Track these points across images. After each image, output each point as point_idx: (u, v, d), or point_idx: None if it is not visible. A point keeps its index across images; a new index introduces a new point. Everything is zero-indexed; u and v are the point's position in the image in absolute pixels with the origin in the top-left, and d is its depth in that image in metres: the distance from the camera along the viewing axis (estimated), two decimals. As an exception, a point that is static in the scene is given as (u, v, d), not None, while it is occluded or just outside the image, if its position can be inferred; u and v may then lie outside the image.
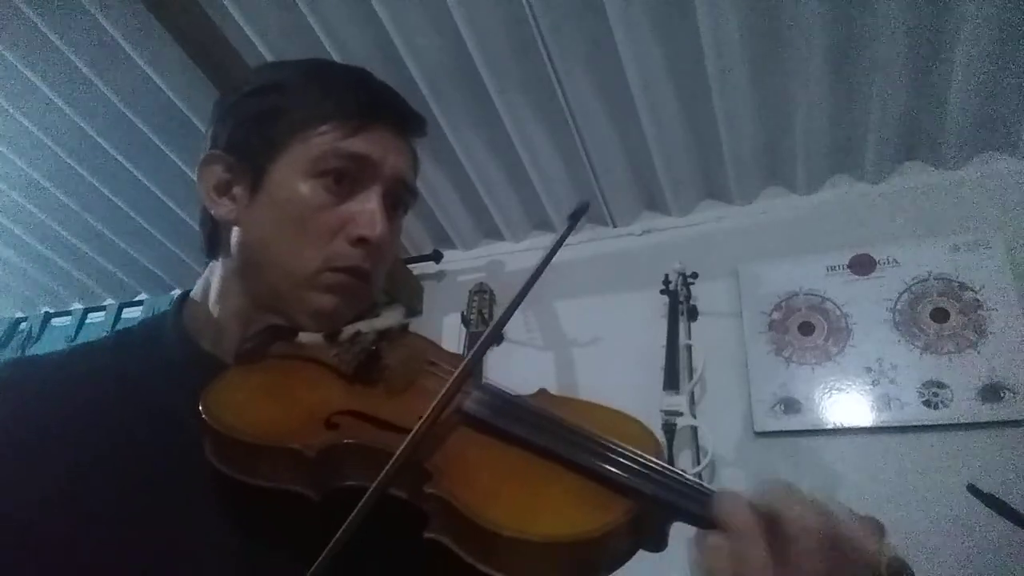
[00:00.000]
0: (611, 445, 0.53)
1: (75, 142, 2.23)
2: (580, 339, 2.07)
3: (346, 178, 0.63)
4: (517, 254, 2.36)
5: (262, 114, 0.65)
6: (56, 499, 0.53)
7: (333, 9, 1.69)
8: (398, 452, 0.49)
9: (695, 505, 0.48)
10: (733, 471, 1.75)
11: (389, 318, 0.67)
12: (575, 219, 0.68)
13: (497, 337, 2.18)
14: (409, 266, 2.43)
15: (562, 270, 2.24)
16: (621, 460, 0.51)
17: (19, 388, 0.60)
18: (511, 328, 2.19)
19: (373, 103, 0.66)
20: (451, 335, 2.26)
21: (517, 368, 2.09)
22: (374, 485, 0.47)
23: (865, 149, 1.84)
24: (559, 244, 0.66)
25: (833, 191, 1.97)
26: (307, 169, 0.63)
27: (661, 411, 1.76)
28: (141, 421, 0.58)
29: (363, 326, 0.64)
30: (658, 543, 0.51)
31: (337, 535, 0.45)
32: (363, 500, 0.47)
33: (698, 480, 0.50)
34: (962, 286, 1.71)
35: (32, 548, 0.51)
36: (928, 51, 1.59)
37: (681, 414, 1.75)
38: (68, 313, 3.05)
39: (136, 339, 0.69)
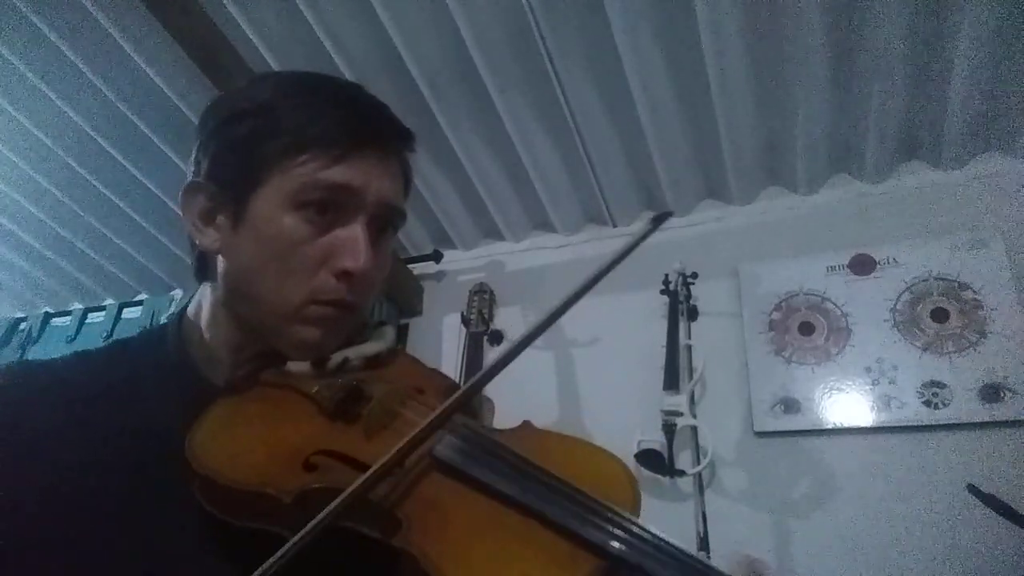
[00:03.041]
0: (586, 497, 0.52)
1: (75, 142, 2.23)
2: (580, 339, 2.07)
3: (329, 208, 0.61)
4: (517, 254, 2.36)
5: (242, 141, 0.63)
6: (41, 509, 0.53)
7: (333, 9, 1.69)
8: (350, 489, 0.49)
9: (667, 572, 0.47)
10: (733, 471, 1.75)
11: (377, 343, 0.66)
12: (657, 223, 0.64)
13: (498, 338, 2.19)
14: (409, 266, 2.43)
15: (562, 270, 2.24)
16: (594, 516, 0.51)
17: (12, 395, 0.60)
18: (511, 328, 2.19)
19: (356, 128, 0.63)
20: (451, 335, 2.27)
21: (517, 368, 2.08)
22: (331, 513, 0.47)
23: (865, 149, 1.84)
24: (635, 244, 0.63)
25: (833, 191, 1.97)
26: (288, 201, 0.61)
27: (661, 411, 1.76)
28: (132, 439, 0.58)
29: (351, 352, 0.63)
30: None
31: (285, 549, 0.45)
32: (318, 520, 0.47)
33: (680, 547, 0.49)
34: (962, 286, 1.71)
35: (11, 559, 0.51)
36: (928, 51, 1.59)
37: (681, 414, 1.75)
38: (68, 313, 3.05)
39: (133, 351, 0.68)
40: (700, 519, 1.62)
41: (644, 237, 0.61)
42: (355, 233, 0.62)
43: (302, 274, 0.61)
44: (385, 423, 0.60)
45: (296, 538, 0.46)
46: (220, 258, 0.64)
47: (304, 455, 0.54)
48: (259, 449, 0.56)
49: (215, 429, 0.56)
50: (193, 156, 0.67)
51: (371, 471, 0.50)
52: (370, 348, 0.65)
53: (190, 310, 0.69)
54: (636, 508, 0.54)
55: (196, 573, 0.54)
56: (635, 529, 0.50)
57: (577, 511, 0.51)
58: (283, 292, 0.61)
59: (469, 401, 0.56)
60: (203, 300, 0.68)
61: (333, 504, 0.48)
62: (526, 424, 0.64)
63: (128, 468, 0.56)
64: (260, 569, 0.44)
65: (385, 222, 0.66)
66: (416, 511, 0.51)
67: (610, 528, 0.50)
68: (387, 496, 0.51)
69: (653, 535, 0.50)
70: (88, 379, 0.63)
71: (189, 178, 0.67)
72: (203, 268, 0.68)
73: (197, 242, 0.65)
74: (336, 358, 0.63)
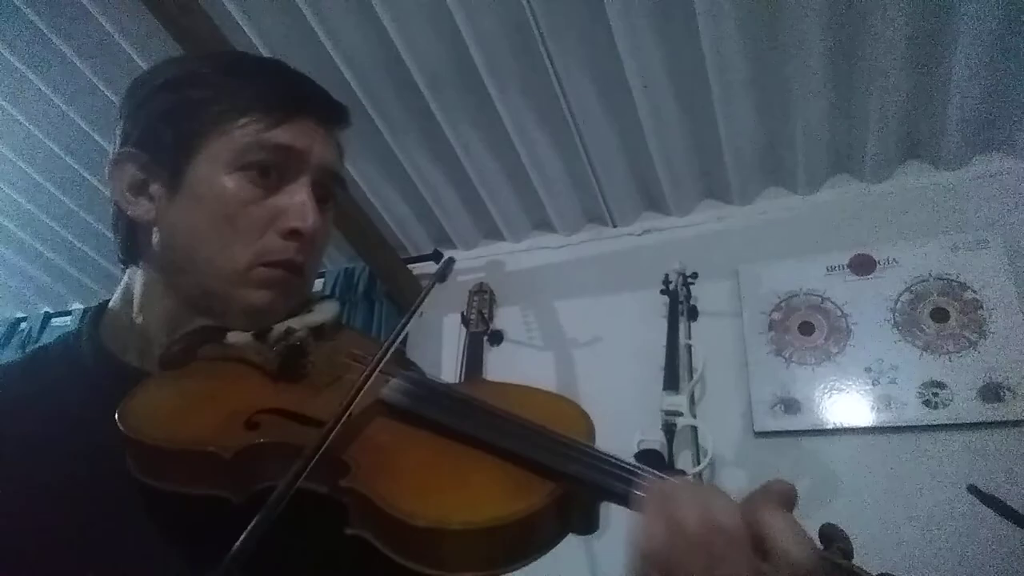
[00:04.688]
0: (533, 427, 0.52)
1: (75, 142, 2.23)
2: (580, 339, 2.07)
3: (272, 170, 0.61)
4: (517, 254, 2.36)
5: (177, 108, 0.61)
6: None
7: (333, 10, 1.69)
8: (311, 447, 0.47)
9: (620, 485, 0.47)
10: (733, 471, 1.75)
11: (321, 313, 0.65)
12: (439, 277, 0.67)
13: (498, 338, 2.19)
14: (409, 266, 2.43)
15: (562, 270, 2.25)
16: (543, 441, 0.50)
17: None
18: (511, 328, 2.19)
19: (294, 93, 0.64)
20: (451, 335, 2.26)
21: (517, 368, 2.09)
22: (287, 478, 0.45)
23: (865, 149, 1.84)
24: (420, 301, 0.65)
25: (833, 191, 1.97)
26: (230, 162, 0.60)
27: (661, 411, 1.76)
28: (61, 445, 0.55)
29: (295, 323, 0.62)
30: (588, 526, 0.50)
31: (250, 526, 0.42)
32: (276, 492, 0.44)
33: (629, 462, 0.49)
34: (962, 286, 1.71)
35: None
36: (928, 51, 1.59)
37: (681, 414, 1.75)
38: (68, 313, 3.05)
39: (52, 358, 0.65)
40: (700, 519, 1.62)
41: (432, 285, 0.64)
42: (301, 194, 0.61)
43: (248, 235, 0.60)
44: (328, 381, 0.59)
45: (274, 495, 0.44)
46: (155, 230, 0.62)
47: (246, 415, 0.53)
48: (197, 413, 0.54)
49: (149, 397, 0.54)
50: (120, 129, 0.65)
51: (330, 423, 0.48)
52: (313, 318, 0.64)
53: (113, 302, 0.66)
54: (591, 438, 0.54)
55: (141, 568, 0.52)
56: (590, 451, 0.50)
57: (528, 438, 0.51)
58: (229, 255, 0.59)
59: (401, 346, 0.56)
60: (132, 283, 0.65)
61: (307, 459, 0.46)
62: (480, 379, 0.65)
63: (63, 479, 0.54)
64: (238, 542, 0.41)
65: (326, 189, 0.65)
66: (365, 454, 0.50)
67: (564, 451, 0.50)
68: (336, 444, 0.49)
69: (609, 456, 0.49)
70: (6, 393, 0.60)
71: (115, 150, 0.64)
72: (131, 247, 0.65)
73: (129, 213, 0.62)
74: (279, 328, 0.61)
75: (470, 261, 2.41)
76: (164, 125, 0.62)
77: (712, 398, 1.85)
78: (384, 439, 0.53)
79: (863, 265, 1.83)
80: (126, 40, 1.83)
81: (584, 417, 0.57)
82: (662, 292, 1.95)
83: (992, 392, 1.57)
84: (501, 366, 2.09)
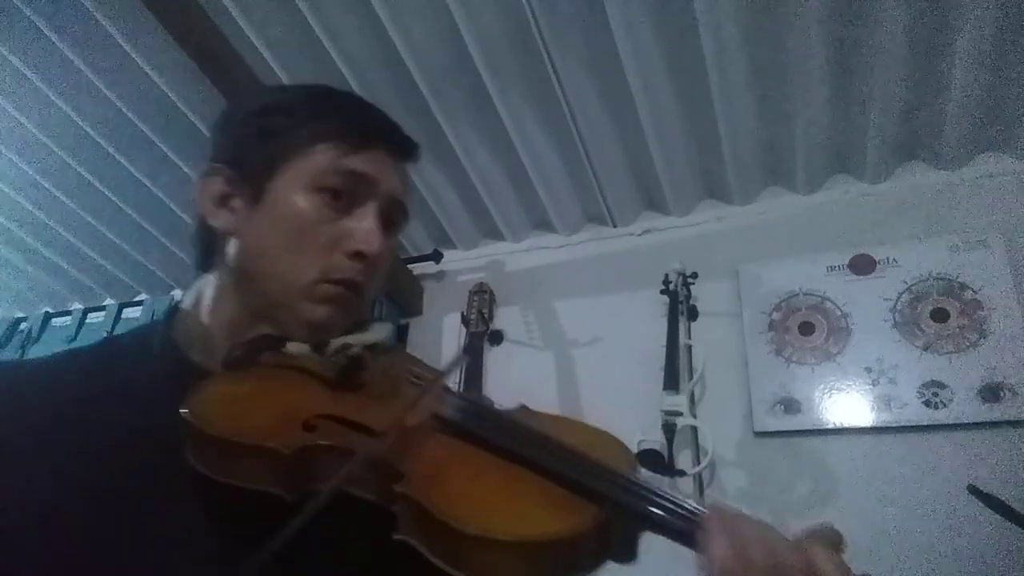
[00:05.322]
0: (583, 454, 0.54)
1: (75, 142, 2.23)
2: (580, 339, 2.07)
3: (344, 195, 0.66)
4: (517, 254, 2.36)
5: (266, 132, 0.68)
6: (36, 504, 0.53)
7: (333, 9, 1.69)
8: (362, 451, 0.49)
9: (670, 520, 0.49)
10: (733, 471, 1.75)
11: (376, 333, 0.68)
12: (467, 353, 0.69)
13: (498, 338, 2.19)
14: (409, 266, 2.43)
15: (562, 270, 2.25)
16: (589, 467, 0.53)
17: (3, 393, 0.61)
18: (511, 328, 2.19)
19: (372, 125, 0.70)
20: (451, 335, 2.26)
21: (517, 368, 2.09)
22: (338, 478, 0.47)
23: (865, 149, 1.84)
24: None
25: (833, 191, 1.97)
26: (307, 184, 0.65)
27: (661, 411, 1.76)
28: (124, 429, 0.58)
29: (351, 339, 0.65)
30: (627, 554, 0.52)
31: (294, 523, 0.44)
32: (324, 491, 0.46)
33: (675, 495, 0.51)
34: (962, 286, 1.70)
35: (8, 551, 0.51)
36: (928, 51, 1.59)
37: (681, 414, 1.75)
38: (68, 313, 3.05)
39: (124, 348, 0.70)
40: (700, 519, 1.62)
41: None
42: (369, 219, 0.66)
43: (316, 253, 0.64)
44: (384, 394, 0.62)
45: (322, 495, 0.46)
46: (233, 240, 0.67)
47: (303, 417, 0.55)
48: (260, 411, 0.57)
49: (214, 392, 0.57)
50: (211, 145, 0.72)
51: (383, 430, 0.51)
52: (370, 336, 0.67)
53: (186, 302, 0.71)
54: (634, 467, 0.57)
55: (192, 559, 0.54)
56: (634, 480, 0.52)
57: (575, 462, 0.53)
58: (297, 269, 0.64)
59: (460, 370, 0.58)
60: (204, 289, 0.70)
61: (352, 462, 0.48)
62: (523, 407, 0.67)
63: (124, 460, 0.56)
64: (280, 535, 0.44)
65: (392, 217, 0.70)
66: (419, 463, 0.52)
67: (609, 477, 0.52)
68: (391, 452, 0.52)
69: (653, 487, 0.51)
70: (79, 377, 0.64)
71: (203, 165, 0.70)
72: (208, 255, 0.71)
73: (212, 223, 0.68)
74: (335, 342, 0.64)
75: (470, 261, 2.41)
76: (252, 146, 0.68)
77: (712, 398, 1.85)
78: (438, 451, 0.55)
79: (863, 265, 1.83)
80: (126, 40, 1.83)
81: (627, 451, 0.60)
82: (662, 292, 1.95)
83: (992, 392, 1.57)
84: (501, 366, 2.10)
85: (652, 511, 0.50)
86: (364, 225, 0.65)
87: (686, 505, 0.51)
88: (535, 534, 0.47)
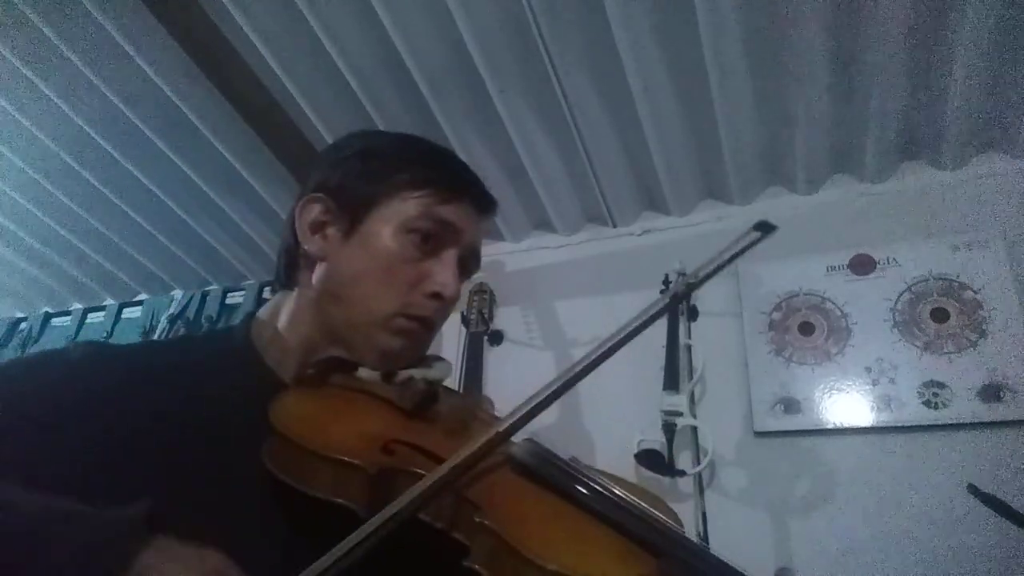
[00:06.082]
0: (644, 508, 0.58)
1: (75, 142, 2.23)
2: (580, 339, 2.07)
3: (432, 239, 0.72)
4: (517, 254, 2.36)
5: (367, 172, 0.74)
6: (111, 485, 0.54)
7: (333, 9, 1.69)
8: (435, 476, 0.51)
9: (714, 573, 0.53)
10: (733, 471, 1.75)
11: (439, 371, 0.73)
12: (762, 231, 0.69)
13: (498, 338, 2.19)
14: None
15: (562, 270, 2.24)
16: (649, 520, 0.56)
17: (97, 372, 0.64)
18: (511, 328, 2.19)
19: (462, 179, 0.77)
20: (451, 335, 2.26)
21: (517, 368, 2.09)
22: (410, 500, 0.49)
23: (865, 149, 1.84)
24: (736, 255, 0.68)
25: (833, 191, 1.97)
26: (400, 225, 0.71)
27: (661, 411, 1.76)
28: (202, 413, 0.61)
29: (416, 373, 0.69)
30: None
31: (365, 535, 0.46)
32: (394, 511, 0.48)
33: (729, 561, 0.54)
34: (962, 286, 1.70)
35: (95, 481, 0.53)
36: (928, 51, 1.59)
37: (681, 414, 1.75)
38: (68, 313, 3.05)
39: (203, 348, 0.77)
40: (700, 519, 1.62)
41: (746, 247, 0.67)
42: (450, 263, 0.72)
43: (399, 288, 0.70)
44: (458, 428, 0.65)
45: (389, 515, 0.48)
46: (322, 265, 0.73)
47: (382, 441, 0.58)
48: (341, 427, 0.60)
49: (299, 404, 0.60)
50: (315, 176, 0.77)
51: (457, 458, 0.52)
52: (433, 373, 0.71)
53: (263, 313, 0.76)
54: (682, 527, 0.61)
55: (258, 561, 0.54)
56: (682, 534, 0.56)
57: (633, 515, 0.57)
58: (379, 301, 0.69)
59: (535, 415, 0.59)
60: (282, 304, 0.75)
61: (420, 485, 0.50)
62: (574, 458, 0.69)
63: (194, 438, 0.59)
64: (344, 542, 0.46)
65: (465, 265, 0.76)
66: (493, 498, 0.55)
67: (662, 532, 0.55)
68: (465, 485, 0.54)
69: (698, 544, 0.57)
70: (161, 365, 0.68)
71: (305, 193, 0.76)
72: (292, 272, 0.76)
73: (305, 247, 0.73)
74: (403, 374, 0.68)
75: (470, 261, 2.41)
76: (353, 183, 0.74)
77: (712, 398, 1.85)
78: (510, 489, 0.58)
79: (863, 265, 1.83)
80: (126, 40, 1.83)
81: (674, 514, 0.64)
82: (662, 292, 1.95)
83: (992, 392, 1.57)
84: (501, 366, 2.10)
85: (704, 568, 0.53)
86: (446, 270, 0.71)
87: (734, 567, 0.54)
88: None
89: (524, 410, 0.58)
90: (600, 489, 0.59)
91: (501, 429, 0.56)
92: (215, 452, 0.59)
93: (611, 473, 0.67)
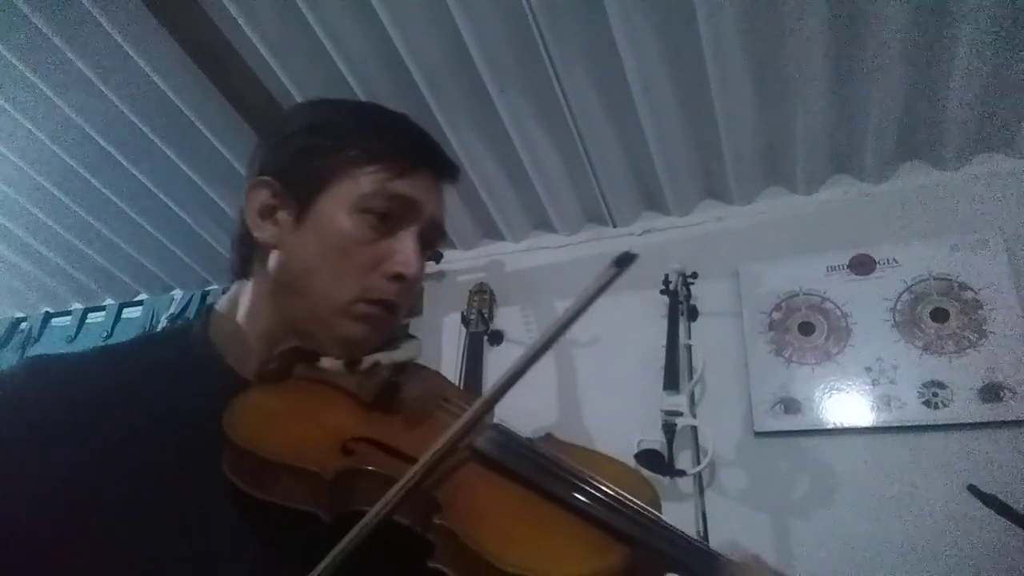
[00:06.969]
0: (614, 493, 0.55)
1: (75, 142, 2.23)
2: (580, 339, 2.07)
3: (389, 218, 0.67)
4: (517, 254, 2.36)
5: (314, 149, 0.68)
6: (69, 498, 0.54)
7: (333, 9, 1.69)
8: (405, 478, 0.50)
9: (696, 563, 0.51)
10: (733, 471, 1.75)
11: (406, 352, 0.69)
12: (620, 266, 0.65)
13: (498, 338, 2.19)
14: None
15: (562, 270, 2.24)
16: (620, 507, 0.54)
17: (34, 390, 0.62)
18: (511, 328, 2.19)
19: (418, 148, 0.71)
20: (451, 335, 2.26)
21: (517, 368, 2.09)
22: (380, 505, 0.48)
23: (865, 149, 1.84)
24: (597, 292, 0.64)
25: (833, 191, 1.97)
26: (353, 205, 0.66)
27: (661, 411, 1.75)
28: (162, 427, 0.60)
29: (382, 357, 0.66)
30: None
31: (335, 550, 0.46)
32: (366, 517, 0.48)
33: (700, 539, 0.53)
34: (962, 286, 1.70)
35: (34, 546, 0.52)
36: (928, 51, 1.59)
37: (681, 414, 1.74)
38: (68, 313, 3.05)
39: (162, 347, 0.72)
40: (700, 519, 1.62)
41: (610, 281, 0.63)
42: (409, 241, 0.67)
43: (356, 272, 0.65)
44: (421, 419, 0.63)
45: (362, 522, 0.48)
46: (275, 252, 0.68)
47: (341, 440, 0.56)
48: (297, 429, 0.58)
49: (254, 407, 0.58)
50: (258, 158, 0.72)
51: (424, 458, 0.51)
52: (400, 355, 0.68)
53: (220, 306, 0.72)
54: (658, 506, 0.58)
55: (227, 562, 0.55)
56: (656, 519, 0.54)
57: (603, 502, 0.55)
58: (336, 287, 0.65)
59: (498, 401, 0.58)
60: (240, 295, 0.71)
61: (394, 489, 0.49)
62: (549, 435, 0.68)
63: (155, 455, 0.58)
64: (325, 560, 0.46)
65: (428, 239, 0.71)
66: (456, 495, 0.53)
67: (639, 519, 0.53)
68: (429, 482, 0.53)
69: (672, 527, 0.53)
70: (113, 372, 0.66)
71: (251, 177, 0.71)
72: (247, 262, 0.72)
73: (255, 235, 0.68)
74: (367, 361, 0.65)
75: (470, 261, 2.41)
76: (300, 162, 0.69)
77: (712, 398, 1.85)
78: (475, 484, 0.56)
79: (863, 265, 1.83)
80: (126, 40, 1.83)
81: (650, 487, 0.61)
82: (662, 292, 1.95)
83: (992, 392, 1.57)
84: (501, 366, 2.09)
85: (678, 553, 0.51)
86: (406, 248, 0.66)
87: (708, 549, 0.53)
88: (569, 573, 0.49)
89: (487, 396, 0.56)
90: (568, 476, 0.57)
91: (464, 421, 0.54)
92: (184, 466, 0.57)
93: (584, 447, 0.66)
